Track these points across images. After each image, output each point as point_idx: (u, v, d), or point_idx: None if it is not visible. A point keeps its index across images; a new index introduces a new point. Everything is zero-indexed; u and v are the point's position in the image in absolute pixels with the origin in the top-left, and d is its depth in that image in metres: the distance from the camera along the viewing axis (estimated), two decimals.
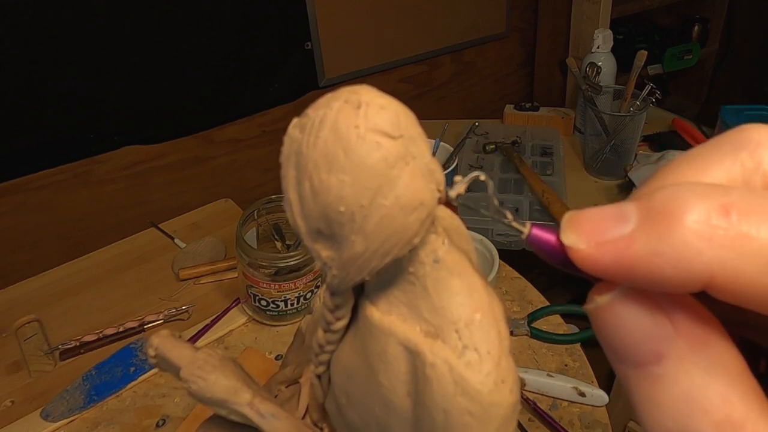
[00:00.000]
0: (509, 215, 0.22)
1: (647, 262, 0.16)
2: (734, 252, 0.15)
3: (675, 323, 0.17)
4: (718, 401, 0.16)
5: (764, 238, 0.15)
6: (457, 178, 0.23)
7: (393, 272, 0.26)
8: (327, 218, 0.22)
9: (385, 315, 0.27)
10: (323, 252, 0.24)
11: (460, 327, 0.25)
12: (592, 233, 0.18)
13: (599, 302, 0.18)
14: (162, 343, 0.40)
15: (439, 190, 0.23)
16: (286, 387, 0.48)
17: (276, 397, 0.48)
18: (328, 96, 0.22)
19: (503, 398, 0.25)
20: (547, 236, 0.20)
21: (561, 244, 0.19)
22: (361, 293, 0.29)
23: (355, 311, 0.29)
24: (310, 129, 0.22)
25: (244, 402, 0.39)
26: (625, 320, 0.17)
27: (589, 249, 0.17)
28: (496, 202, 0.22)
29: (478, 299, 0.26)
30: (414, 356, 0.26)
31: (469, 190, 0.89)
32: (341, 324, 0.29)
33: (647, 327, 0.17)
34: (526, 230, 0.20)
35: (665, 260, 0.16)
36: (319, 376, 0.34)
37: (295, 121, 0.23)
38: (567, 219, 0.19)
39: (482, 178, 0.22)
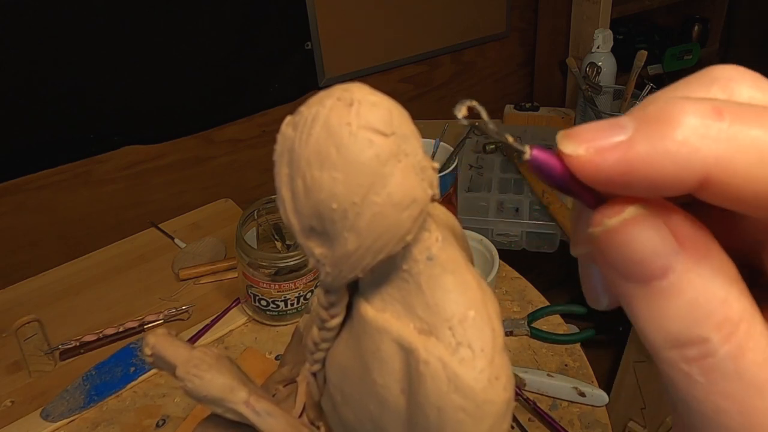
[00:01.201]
0: (510, 138, 0.22)
1: (648, 161, 0.17)
2: (728, 148, 0.16)
3: (679, 238, 0.18)
4: (718, 305, 0.17)
5: (755, 134, 0.16)
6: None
7: (387, 270, 0.26)
8: (319, 215, 0.23)
9: (379, 312, 0.27)
10: (316, 249, 0.24)
11: (454, 324, 0.25)
12: (591, 141, 0.18)
13: (609, 224, 0.18)
14: (158, 341, 0.40)
15: (431, 188, 0.23)
16: (284, 386, 0.48)
17: (274, 396, 0.48)
18: (321, 94, 0.22)
19: (497, 395, 0.25)
20: (547, 155, 0.20)
21: (561, 162, 0.19)
22: (355, 291, 0.29)
23: (349, 309, 0.30)
24: (303, 126, 0.22)
25: (240, 400, 0.39)
26: (634, 239, 0.18)
27: (589, 155, 0.18)
28: (492, 126, 0.22)
29: (471, 296, 0.26)
30: (408, 353, 0.26)
31: (469, 189, 0.89)
32: (336, 321, 0.29)
33: (655, 244, 0.18)
34: (527, 151, 0.20)
35: (665, 158, 0.16)
36: (314, 374, 0.34)
37: (288, 119, 0.23)
38: (563, 133, 0.19)
39: (474, 103, 0.22)
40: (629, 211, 0.18)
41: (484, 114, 0.22)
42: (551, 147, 0.20)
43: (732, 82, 0.19)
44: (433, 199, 0.23)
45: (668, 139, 0.16)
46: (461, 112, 0.22)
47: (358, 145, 0.21)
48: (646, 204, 0.18)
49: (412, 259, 0.25)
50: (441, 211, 0.29)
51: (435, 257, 0.25)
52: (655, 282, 0.18)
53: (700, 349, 0.17)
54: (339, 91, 0.22)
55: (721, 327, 0.17)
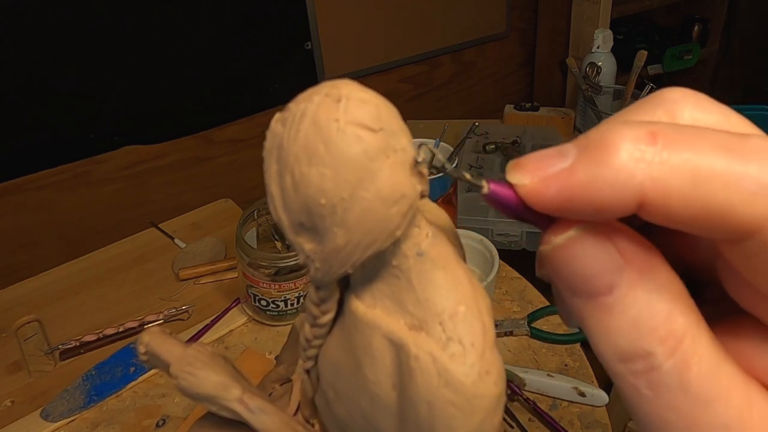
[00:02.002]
0: (467, 175, 0.23)
1: (588, 187, 0.18)
2: (662, 171, 0.17)
3: (624, 255, 0.19)
4: (662, 320, 0.18)
5: (686, 157, 0.17)
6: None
7: (377, 265, 0.26)
8: (308, 211, 0.23)
9: (369, 308, 0.27)
10: (306, 245, 0.24)
11: (444, 319, 0.25)
12: (536, 170, 0.19)
13: (556, 242, 0.19)
14: (152, 339, 0.40)
15: (420, 184, 0.23)
16: (280, 385, 0.49)
17: (270, 395, 0.48)
18: (310, 90, 0.23)
19: (487, 390, 0.25)
20: (503, 188, 0.21)
21: (514, 193, 0.20)
22: (346, 287, 0.29)
23: (341, 305, 0.30)
24: (291, 122, 0.22)
25: (234, 398, 0.39)
26: (580, 256, 0.19)
27: (534, 184, 0.19)
28: (449, 166, 0.23)
29: (462, 292, 0.26)
30: (398, 349, 0.26)
31: (469, 190, 0.89)
32: (327, 318, 0.29)
33: (600, 261, 0.19)
34: (485, 186, 0.21)
35: (604, 183, 0.17)
36: (308, 372, 0.34)
37: (277, 115, 0.23)
38: (512, 164, 0.20)
39: (430, 146, 0.23)
40: (574, 230, 0.19)
41: (440, 156, 0.23)
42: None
43: (676, 104, 0.20)
44: (422, 195, 0.23)
45: (605, 165, 0.17)
46: (420, 156, 0.23)
47: (346, 140, 0.21)
48: (592, 224, 0.19)
49: (402, 255, 0.25)
50: (432, 208, 0.29)
51: (425, 253, 0.25)
52: (602, 298, 0.19)
53: (646, 363, 0.18)
54: (327, 87, 0.22)
55: (664, 341, 0.18)
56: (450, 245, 0.27)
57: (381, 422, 0.28)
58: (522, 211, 0.20)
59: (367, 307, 0.27)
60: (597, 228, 0.19)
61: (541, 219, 0.20)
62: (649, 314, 0.18)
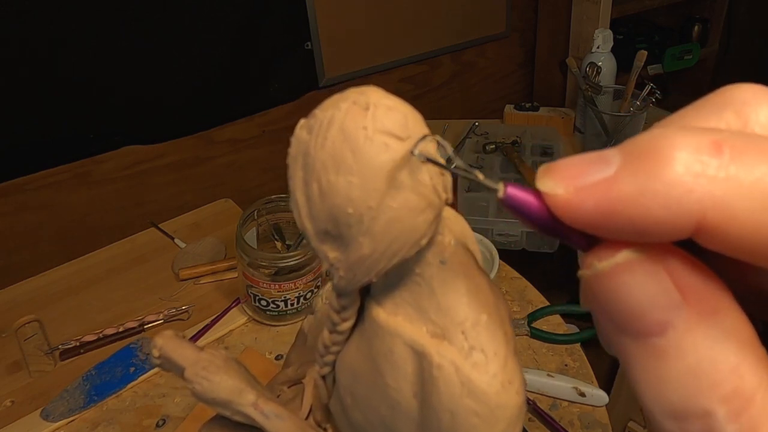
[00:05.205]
0: (479, 175, 0.20)
1: (633, 203, 0.15)
2: (728, 188, 0.14)
3: (683, 290, 0.15)
4: (727, 373, 0.15)
5: (759, 173, 0.14)
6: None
7: (400, 273, 0.26)
8: (335, 219, 0.22)
9: (391, 316, 0.27)
10: (331, 253, 0.24)
11: (467, 328, 0.25)
12: (572, 178, 0.16)
13: (599, 268, 0.16)
14: (166, 343, 0.40)
15: (445, 192, 0.23)
16: (289, 387, 0.48)
17: (278, 397, 0.48)
18: (336, 97, 0.22)
19: (510, 399, 0.25)
20: (524, 194, 0.17)
21: (539, 200, 0.17)
22: (367, 294, 0.29)
23: (360, 312, 0.29)
24: (318, 130, 0.22)
25: (249, 402, 0.39)
26: (628, 287, 0.16)
27: (568, 194, 0.16)
28: (460, 163, 0.21)
29: (484, 300, 0.26)
30: (420, 357, 0.26)
31: (469, 189, 0.89)
32: (347, 325, 0.29)
33: (653, 295, 0.15)
34: (501, 189, 0.18)
35: (653, 199, 0.14)
36: (323, 377, 0.34)
37: (302, 122, 0.23)
38: (543, 168, 0.17)
39: (438, 138, 0.22)
40: (623, 255, 0.16)
41: (449, 149, 0.22)
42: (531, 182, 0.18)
43: (747, 106, 0.16)
44: (446, 203, 0.23)
45: (656, 178, 0.14)
46: (429, 147, 0.21)
47: (374, 149, 0.21)
48: (644, 246, 0.16)
49: (426, 263, 0.25)
50: (452, 214, 0.29)
51: (448, 261, 0.25)
52: (652, 339, 0.15)
53: (703, 425, 0.15)
54: (354, 94, 0.22)
55: (729, 400, 0.14)
56: (470, 252, 0.27)
57: (401, 429, 0.28)
58: (548, 222, 0.17)
59: (388, 314, 0.27)
60: (650, 254, 0.16)
61: (573, 234, 0.17)
62: (711, 365, 0.15)
